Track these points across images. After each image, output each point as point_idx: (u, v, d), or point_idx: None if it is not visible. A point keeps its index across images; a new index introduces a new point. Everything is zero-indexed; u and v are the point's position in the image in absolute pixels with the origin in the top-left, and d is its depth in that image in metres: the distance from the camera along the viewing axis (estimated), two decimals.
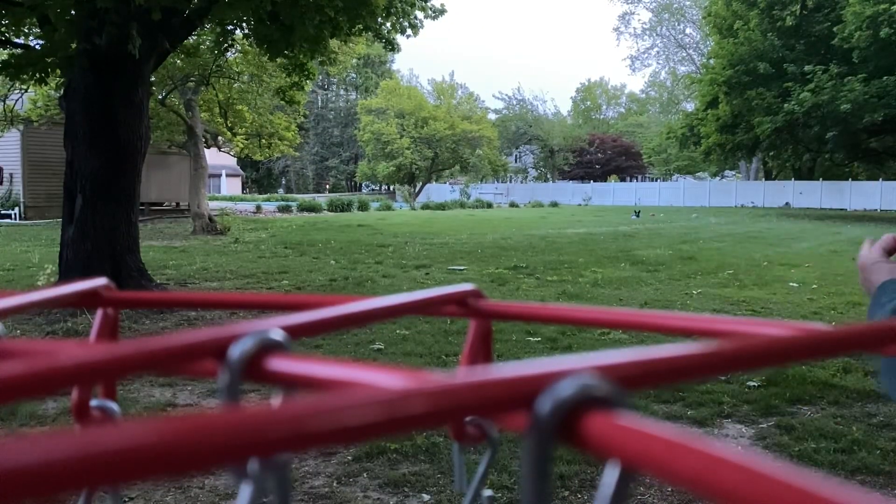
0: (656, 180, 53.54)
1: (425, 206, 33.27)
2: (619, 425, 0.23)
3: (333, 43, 10.44)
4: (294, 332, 0.37)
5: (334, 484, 3.24)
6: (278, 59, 9.67)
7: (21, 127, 18.94)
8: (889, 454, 3.47)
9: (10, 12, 6.86)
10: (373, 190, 54.37)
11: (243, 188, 49.99)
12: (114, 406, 0.52)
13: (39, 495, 0.18)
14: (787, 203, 37.06)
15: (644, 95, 67.18)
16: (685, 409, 4.22)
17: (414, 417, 0.23)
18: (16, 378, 0.27)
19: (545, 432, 0.24)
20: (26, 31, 8.12)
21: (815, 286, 8.96)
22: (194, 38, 12.08)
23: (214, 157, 29.09)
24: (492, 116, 55.48)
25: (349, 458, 3.48)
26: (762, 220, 24.48)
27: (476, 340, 0.52)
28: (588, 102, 68.53)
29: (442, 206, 32.77)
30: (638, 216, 26.64)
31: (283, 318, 0.38)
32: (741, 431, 3.97)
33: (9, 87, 14.86)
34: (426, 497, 3.11)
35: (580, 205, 41.58)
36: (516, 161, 62.84)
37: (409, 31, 10.01)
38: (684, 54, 58.70)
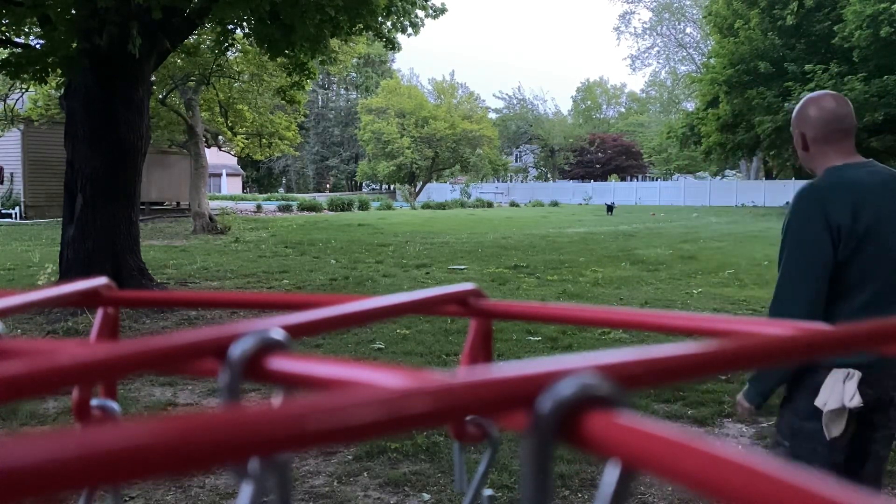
0: (657, 180, 53.51)
1: (426, 206, 33.24)
2: (619, 425, 0.23)
3: (334, 42, 10.43)
4: (294, 331, 0.37)
5: (335, 483, 3.24)
6: (279, 59, 9.67)
7: (21, 126, 18.95)
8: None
9: (10, 11, 6.85)
10: (373, 189, 54.34)
11: (244, 187, 49.93)
12: (114, 405, 0.52)
13: (39, 495, 0.18)
14: (787, 202, 36.88)
15: (644, 95, 67.06)
16: (685, 409, 4.22)
17: (414, 417, 0.23)
18: (16, 377, 0.27)
19: (546, 432, 0.24)
20: (27, 30, 8.10)
21: None
22: (194, 37, 12.07)
23: (215, 157, 29.08)
24: (492, 116, 55.46)
25: (349, 457, 3.48)
26: (763, 220, 24.47)
27: (476, 340, 0.52)
28: (588, 102, 68.45)
29: (442, 206, 32.73)
30: (611, 212, 26.84)
31: (283, 318, 0.38)
32: (742, 431, 3.97)
33: (9, 86, 14.86)
34: (426, 496, 3.11)
35: (581, 204, 41.56)
36: (517, 160, 62.82)
37: (409, 31, 10.01)
38: (685, 53, 58.60)
